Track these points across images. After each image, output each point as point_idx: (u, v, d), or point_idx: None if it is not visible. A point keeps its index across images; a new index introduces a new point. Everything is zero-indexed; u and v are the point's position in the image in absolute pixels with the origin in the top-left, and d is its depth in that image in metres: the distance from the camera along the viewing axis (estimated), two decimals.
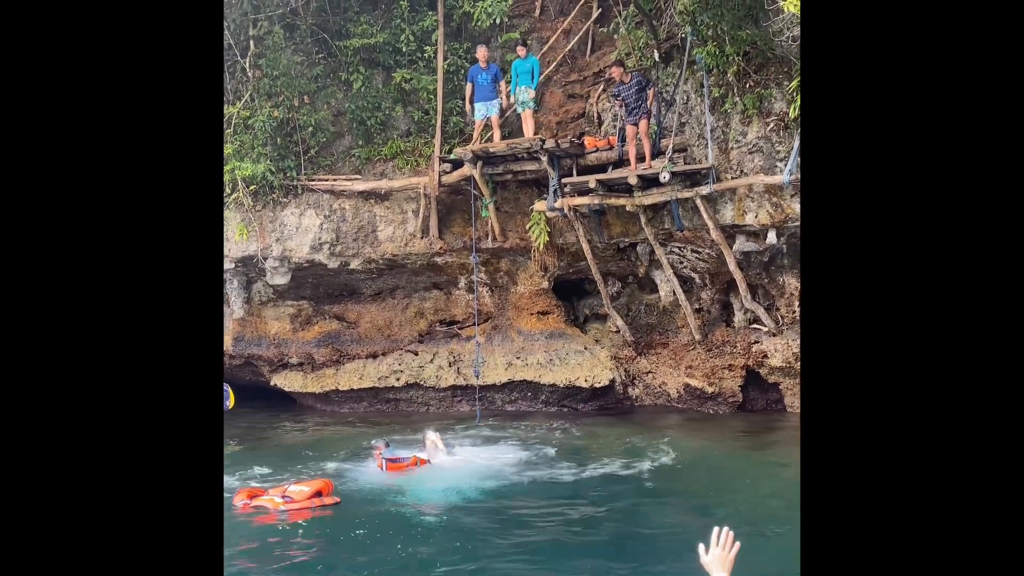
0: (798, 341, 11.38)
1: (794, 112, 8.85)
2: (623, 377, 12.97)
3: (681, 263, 12.16)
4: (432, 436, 8.61)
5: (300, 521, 6.66)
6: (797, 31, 8.55)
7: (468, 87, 11.87)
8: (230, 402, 12.25)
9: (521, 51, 11.55)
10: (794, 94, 8.82)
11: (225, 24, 11.82)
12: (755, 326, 11.87)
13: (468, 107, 12.01)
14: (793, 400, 11.92)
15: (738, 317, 12.21)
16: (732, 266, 10.99)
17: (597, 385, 12.79)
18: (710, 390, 12.22)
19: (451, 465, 8.42)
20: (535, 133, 11.33)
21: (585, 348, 13.04)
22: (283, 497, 6.88)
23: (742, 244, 11.06)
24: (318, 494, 6.99)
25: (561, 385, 12.90)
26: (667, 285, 12.29)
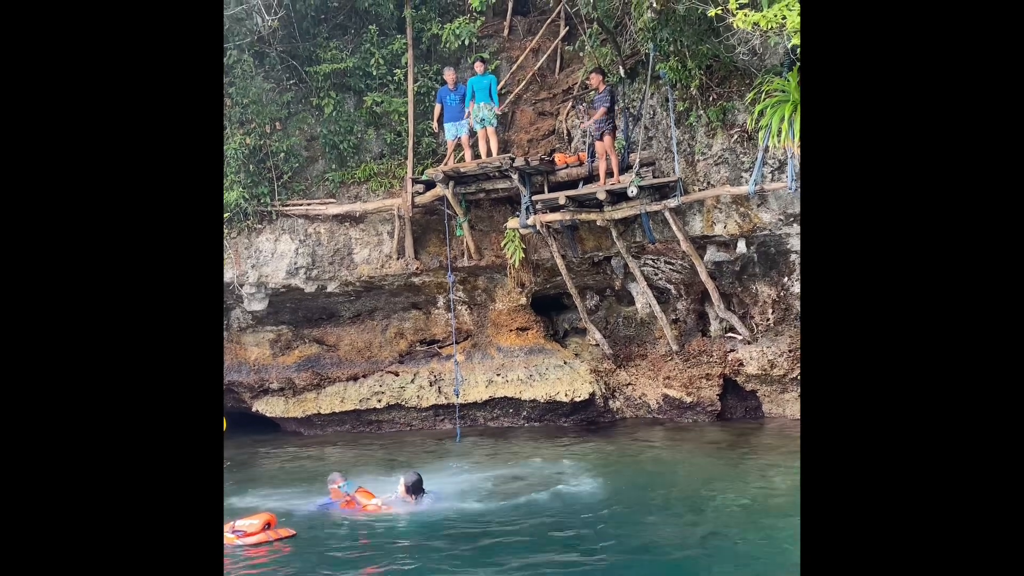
0: (773, 348, 11.49)
1: (752, 124, 8.99)
2: (603, 390, 13.03)
3: (656, 275, 12.27)
4: (403, 480, 8.02)
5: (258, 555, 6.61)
6: (753, 44, 8.72)
7: (437, 108, 12.01)
8: (223, 427, 12.34)
9: (479, 67, 11.67)
10: (750, 106, 8.95)
11: None
12: (730, 335, 11.97)
13: (436, 127, 12.16)
14: (771, 407, 12.01)
15: (714, 326, 12.31)
16: (704, 276, 11.10)
17: (577, 399, 12.85)
18: (689, 400, 12.30)
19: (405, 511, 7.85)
20: (497, 150, 11.44)
21: (565, 363, 13.11)
22: (234, 532, 6.75)
23: (713, 254, 11.19)
24: (267, 525, 6.93)
25: (542, 400, 12.96)
26: (643, 297, 12.39)
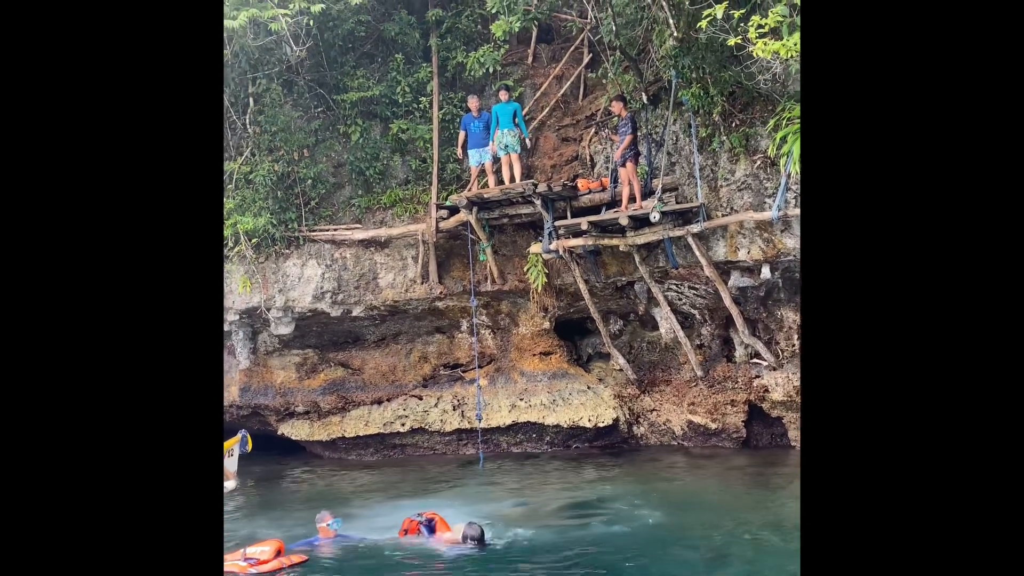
0: (799, 374, 11.36)
1: (772, 151, 8.98)
2: (627, 416, 12.96)
3: (680, 300, 12.23)
4: (464, 531, 7.41)
5: None
6: (775, 71, 8.73)
7: (461, 135, 12.16)
8: (248, 446, 12.47)
9: (503, 95, 11.82)
10: (772, 133, 8.95)
11: (224, 83, 12.19)
12: (755, 361, 11.86)
13: (460, 153, 12.31)
14: (797, 434, 11.85)
15: (739, 352, 12.21)
16: (728, 301, 11.05)
17: (601, 425, 12.78)
18: (713, 426, 12.18)
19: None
20: (521, 175, 11.53)
21: (588, 387, 13.06)
22: (246, 560, 6.69)
23: (737, 280, 11.13)
24: (278, 552, 6.93)
25: (565, 425, 12.91)
26: (667, 322, 12.34)
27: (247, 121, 12.51)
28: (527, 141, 12.06)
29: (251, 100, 12.49)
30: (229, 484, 11.95)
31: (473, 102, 12.07)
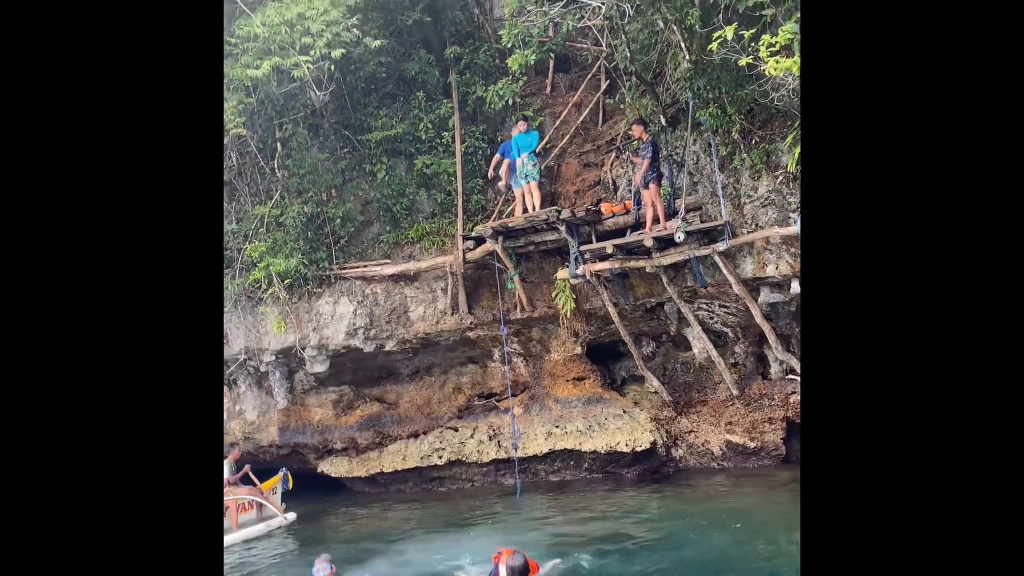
0: None
1: (793, 166, 8.97)
2: (664, 438, 12.86)
3: (711, 319, 12.17)
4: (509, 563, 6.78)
5: None
6: (792, 86, 8.76)
7: (497, 157, 12.32)
8: (289, 484, 12.69)
9: (522, 126, 11.98)
10: (792, 148, 8.95)
11: (252, 129, 12.55)
12: (791, 376, 11.74)
13: (492, 173, 12.47)
14: None
15: (774, 369, 12.09)
16: (759, 318, 10.97)
17: (639, 449, 12.68)
18: (752, 445, 12.04)
19: None
20: (540, 203, 11.63)
21: (624, 411, 13.00)
22: None
23: (767, 296, 11.06)
24: None
25: (602, 451, 12.84)
26: (699, 342, 12.27)
27: (276, 165, 12.84)
28: (542, 165, 12.16)
29: (279, 145, 12.81)
30: (290, 515, 12.24)
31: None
